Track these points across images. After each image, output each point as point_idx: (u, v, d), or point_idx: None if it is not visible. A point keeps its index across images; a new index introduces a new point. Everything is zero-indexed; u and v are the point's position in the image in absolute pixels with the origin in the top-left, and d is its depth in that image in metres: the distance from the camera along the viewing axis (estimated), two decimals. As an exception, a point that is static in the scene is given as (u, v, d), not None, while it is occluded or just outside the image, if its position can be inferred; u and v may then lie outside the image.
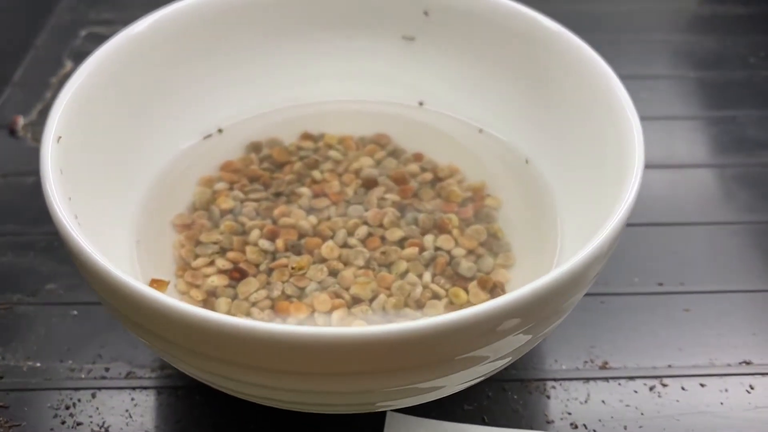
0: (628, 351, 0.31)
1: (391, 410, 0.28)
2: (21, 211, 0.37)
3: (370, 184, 0.33)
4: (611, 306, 0.33)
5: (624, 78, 0.30)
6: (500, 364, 0.25)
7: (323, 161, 0.34)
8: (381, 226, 0.31)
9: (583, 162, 0.30)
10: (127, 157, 0.31)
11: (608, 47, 0.32)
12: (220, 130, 0.35)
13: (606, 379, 0.30)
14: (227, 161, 0.34)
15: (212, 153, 0.34)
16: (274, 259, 0.30)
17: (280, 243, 0.30)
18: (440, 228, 0.31)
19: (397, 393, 0.23)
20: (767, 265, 0.35)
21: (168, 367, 0.30)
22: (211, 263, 0.30)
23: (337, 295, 0.29)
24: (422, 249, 0.30)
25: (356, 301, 0.29)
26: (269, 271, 0.30)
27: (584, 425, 0.29)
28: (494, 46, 0.34)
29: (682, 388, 0.30)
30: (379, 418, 0.28)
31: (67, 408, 0.29)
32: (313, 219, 0.32)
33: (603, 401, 0.30)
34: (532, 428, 0.29)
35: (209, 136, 0.35)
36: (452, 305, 0.29)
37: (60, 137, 0.27)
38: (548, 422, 0.29)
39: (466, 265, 0.30)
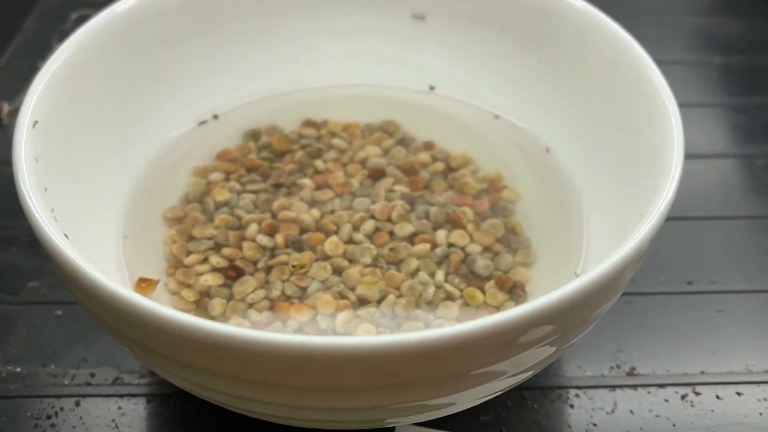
0: (657, 356, 0.30)
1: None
2: (2, 203, 0.35)
3: (377, 174, 0.32)
4: (638, 307, 0.31)
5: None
6: (519, 379, 0.23)
7: (326, 150, 0.33)
8: (389, 220, 0.30)
9: (610, 152, 0.29)
10: (113, 146, 0.30)
11: (628, 30, 0.31)
12: (215, 116, 0.34)
13: (634, 386, 0.29)
14: (223, 150, 0.33)
15: (207, 141, 0.33)
16: (273, 256, 0.29)
17: (279, 238, 0.29)
18: (453, 222, 0.30)
19: (404, 410, 0.22)
20: (805, 262, 0.33)
21: (158, 373, 0.29)
22: (205, 260, 0.29)
23: (342, 296, 0.27)
24: (434, 245, 0.29)
25: (363, 302, 0.27)
26: (268, 269, 0.28)
27: (611, 437, 0.27)
28: (512, 24, 0.33)
29: (717, 397, 0.29)
30: (389, 430, 0.26)
31: (48, 418, 0.28)
32: (315, 213, 0.30)
33: (631, 411, 0.28)
34: (554, 441, 0.27)
35: (204, 122, 0.34)
36: (467, 307, 0.27)
37: (36, 122, 0.25)
38: (572, 434, 0.27)
39: (482, 263, 0.28)
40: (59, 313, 0.31)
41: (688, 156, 0.37)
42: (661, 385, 0.29)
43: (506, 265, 0.28)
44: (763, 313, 0.31)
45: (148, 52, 0.31)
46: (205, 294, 0.28)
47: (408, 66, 0.35)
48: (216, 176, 0.32)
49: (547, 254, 0.29)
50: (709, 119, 0.41)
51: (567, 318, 0.20)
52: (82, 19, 0.46)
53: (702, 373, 0.29)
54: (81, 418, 0.28)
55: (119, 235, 0.29)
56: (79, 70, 0.28)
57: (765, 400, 0.28)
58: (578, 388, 0.29)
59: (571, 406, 0.28)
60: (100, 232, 0.28)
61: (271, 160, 0.33)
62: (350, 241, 0.29)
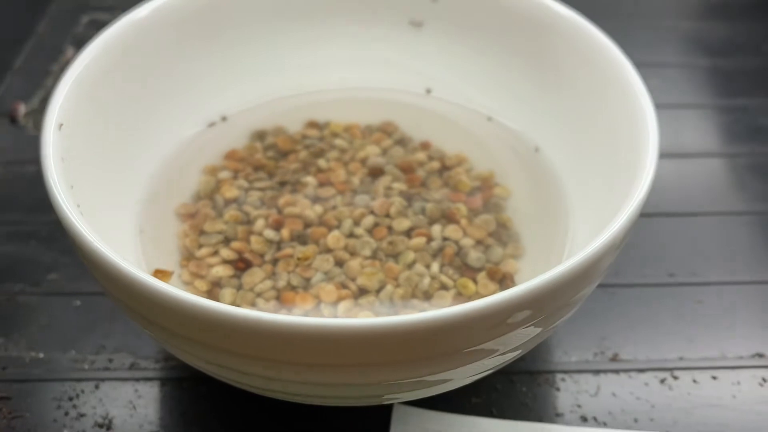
0: (638, 343, 0.31)
1: (399, 403, 0.27)
2: (22, 200, 0.36)
3: (376, 173, 0.33)
4: (621, 297, 0.32)
5: (633, 65, 0.29)
6: (509, 357, 0.24)
7: (329, 150, 0.34)
8: (388, 215, 0.31)
9: (594, 151, 0.30)
10: (131, 146, 0.31)
11: (618, 33, 0.32)
12: (224, 118, 0.35)
13: (616, 371, 0.30)
14: (232, 150, 0.34)
15: (216, 141, 0.34)
16: (279, 249, 0.30)
17: (285, 233, 0.30)
18: (448, 218, 0.31)
19: (404, 386, 0.23)
20: (780, 255, 0.34)
21: (172, 358, 0.30)
22: (216, 253, 0.30)
23: (344, 286, 0.28)
24: (430, 239, 0.30)
25: (363, 291, 0.28)
26: (274, 261, 0.29)
27: (594, 418, 0.28)
28: (504, 31, 0.33)
29: (694, 381, 0.30)
30: (387, 410, 0.28)
31: (70, 399, 0.29)
32: (318, 208, 0.31)
33: (613, 394, 0.29)
34: (541, 421, 0.28)
35: (213, 124, 0.34)
36: (460, 296, 0.28)
37: (62, 124, 0.26)
38: (557, 415, 0.28)
39: (474, 256, 0.29)
40: (78, 303, 0.32)
41: (674, 155, 0.39)
42: (642, 370, 0.30)
43: (497, 257, 0.29)
44: (739, 304, 0.32)
45: (162, 58, 0.32)
46: (216, 284, 0.29)
47: (406, 70, 0.35)
48: (225, 174, 0.32)
49: (535, 247, 0.30)
50: (695, 120, 0.41)
51: (547, 302, 0.22)
52: (93, 23, 0.47)
53: (680, 358, 0.30)
54: (101, 399, 0.29)
55: (136, 230, 0.30)
56: (98, 75, 0.29)
57: (738, 383, 0.29)
58: (564, 372, 0.30)
59: (558, 389, 0.29)
60: (119, 227, 0.29)
61: (277, 159, 0.33)
62: (351, 235, 0.30)
